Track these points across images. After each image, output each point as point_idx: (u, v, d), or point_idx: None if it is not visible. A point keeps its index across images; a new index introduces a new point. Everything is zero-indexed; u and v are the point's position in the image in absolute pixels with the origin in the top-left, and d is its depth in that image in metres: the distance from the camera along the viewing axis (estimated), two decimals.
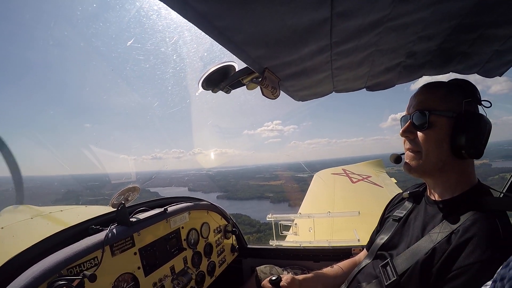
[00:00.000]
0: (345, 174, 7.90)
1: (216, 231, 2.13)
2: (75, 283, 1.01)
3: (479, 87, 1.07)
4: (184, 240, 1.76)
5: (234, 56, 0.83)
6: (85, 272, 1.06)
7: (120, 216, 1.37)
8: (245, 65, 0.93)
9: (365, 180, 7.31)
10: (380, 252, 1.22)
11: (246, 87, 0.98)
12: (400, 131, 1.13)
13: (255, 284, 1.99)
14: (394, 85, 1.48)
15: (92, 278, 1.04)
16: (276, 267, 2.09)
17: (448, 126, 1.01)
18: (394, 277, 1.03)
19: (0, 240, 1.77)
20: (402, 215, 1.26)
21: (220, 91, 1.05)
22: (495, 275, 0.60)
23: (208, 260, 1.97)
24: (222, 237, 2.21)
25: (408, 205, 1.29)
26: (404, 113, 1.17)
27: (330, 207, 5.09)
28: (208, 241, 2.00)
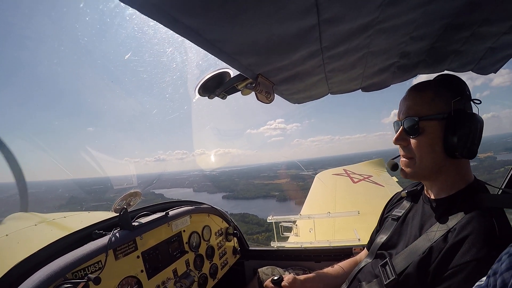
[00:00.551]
0: (346, 175, 7.89)
1: (217, 234, 2.15)
2: (80, 286, 1.03)
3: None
4: (186, 243, 1.78)
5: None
6: (89, 275, 1.08)
7: (123, 220, 1.39)
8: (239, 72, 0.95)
9: (366, 180, 7.30)
10: (380, 251, 1.24)
11: (241, 92, 1.00)
12: (393, 139, 1.13)
13: (257, 286, 2.00)
14: (389, 85, 1.49)
15: (97, 280, 1.07)
16: (278, 268, 2.10)
17: (439, 128, 1.01)
18: (393, 276, 1.04)
19: (5, 247, 1.79)
20: (400, 214, 1.27)
21: (216, 97, 1.07)
22: (489, 271, 0.62)
23: (210, 263, 1.99)
24: (224, 240, 2.22)
25: (406, 204, 1.30)
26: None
27: (331, 208, 5.09)
28: (209, 243, 2.01)
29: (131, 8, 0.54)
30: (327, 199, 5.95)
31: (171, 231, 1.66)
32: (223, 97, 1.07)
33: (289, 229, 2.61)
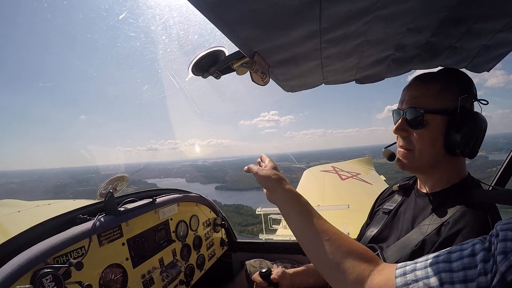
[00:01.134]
0: (334, 171, 7.99)
1: (205, 224, 2.12)
2: (61, 272, 0.99)
3: (475, 80, 1.06)
4: (173, 232, 1.75)
5: (224, 42, 0.82)
6: (71, 260, 1.04)
7: (108, 205, 1.35)
8: (235, 50, 0.93)
9: (354, 177, 7.41)
10: (370, 244, 1.23)
11: (236, 72, 0.98)
12: (393, 129, 1.12)
13: (245, 278, 1.99)
14: (383, 79, 1.49)
15: (79, 265, 1.03)
16: (266, 261, 2.10)
17: (442, 124, 1.00)
18: None
19: None
20: (392, 208, 1.27)
21: (210, 76, 1.04)
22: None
23: (197, 253, 1.97)
24: (212, 231, 2.20)
25: (398, 198, 1.30)
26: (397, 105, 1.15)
27: (320, 203, 5.15)
28: (197, 234, 1.99)
29: None
30: (316, 194, 6.01)
31: (158, 219, 1.63)
32: (217, 77, 1.04)
33: (278, 222, 2.61)
